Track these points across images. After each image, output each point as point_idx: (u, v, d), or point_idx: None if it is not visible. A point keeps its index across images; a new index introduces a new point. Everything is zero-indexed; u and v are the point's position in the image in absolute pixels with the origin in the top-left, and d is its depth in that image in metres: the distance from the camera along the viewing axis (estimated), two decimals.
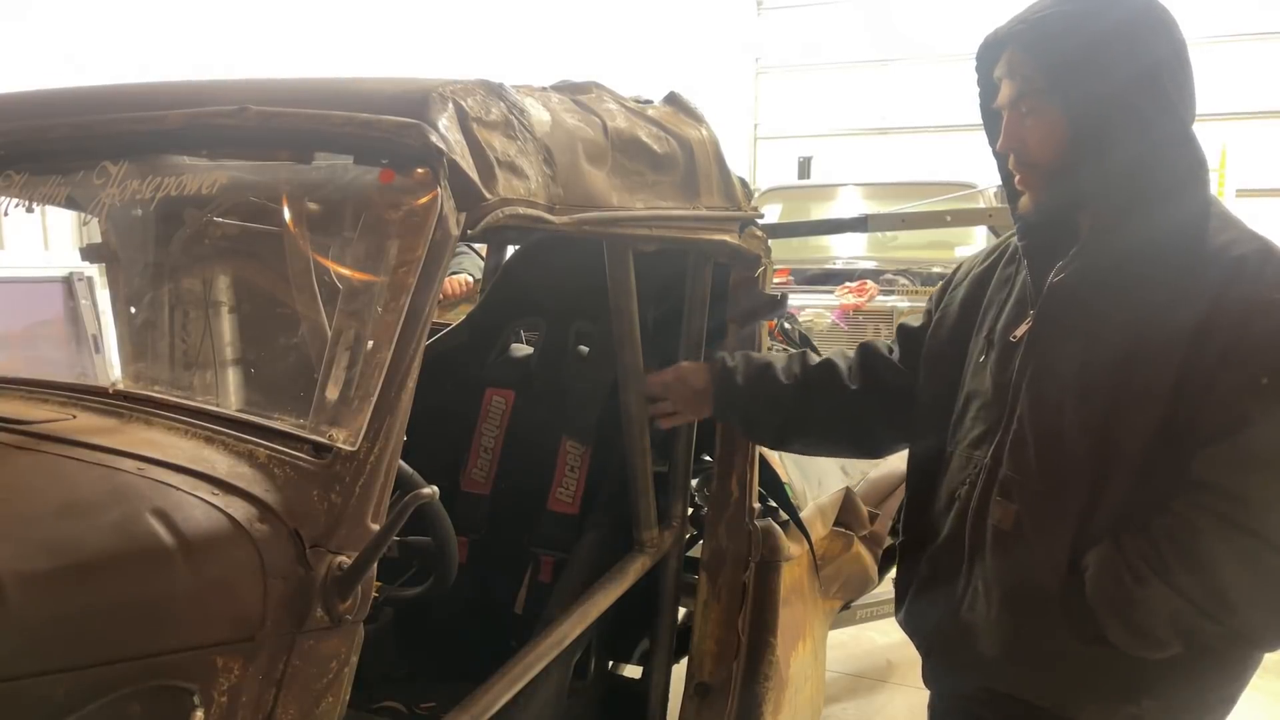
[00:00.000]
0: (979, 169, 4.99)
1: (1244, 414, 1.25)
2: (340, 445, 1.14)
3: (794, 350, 1.94)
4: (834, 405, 1.78)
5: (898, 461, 2.25)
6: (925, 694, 1.73)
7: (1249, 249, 1.31)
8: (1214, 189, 1.64)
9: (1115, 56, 1.32)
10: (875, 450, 1.92)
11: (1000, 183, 1.55)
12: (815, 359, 1.83)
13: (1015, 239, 1.59)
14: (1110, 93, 1.33)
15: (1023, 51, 1.38)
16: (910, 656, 1.69)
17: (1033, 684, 1.44)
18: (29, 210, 1.47)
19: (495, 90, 1.31)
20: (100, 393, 1.36)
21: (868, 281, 5.49)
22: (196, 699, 1.02)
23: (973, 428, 1.51)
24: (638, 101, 1.72)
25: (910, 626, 1.66)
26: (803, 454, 2.08)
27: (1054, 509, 1.37)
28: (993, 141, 1.49)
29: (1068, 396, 1.36)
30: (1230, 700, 1.42)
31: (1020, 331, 1.45)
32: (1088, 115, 1.34)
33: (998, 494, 1.43)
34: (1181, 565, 1.27)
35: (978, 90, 1.51)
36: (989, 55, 1.45)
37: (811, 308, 5.37)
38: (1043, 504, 1.38)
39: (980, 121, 1.53)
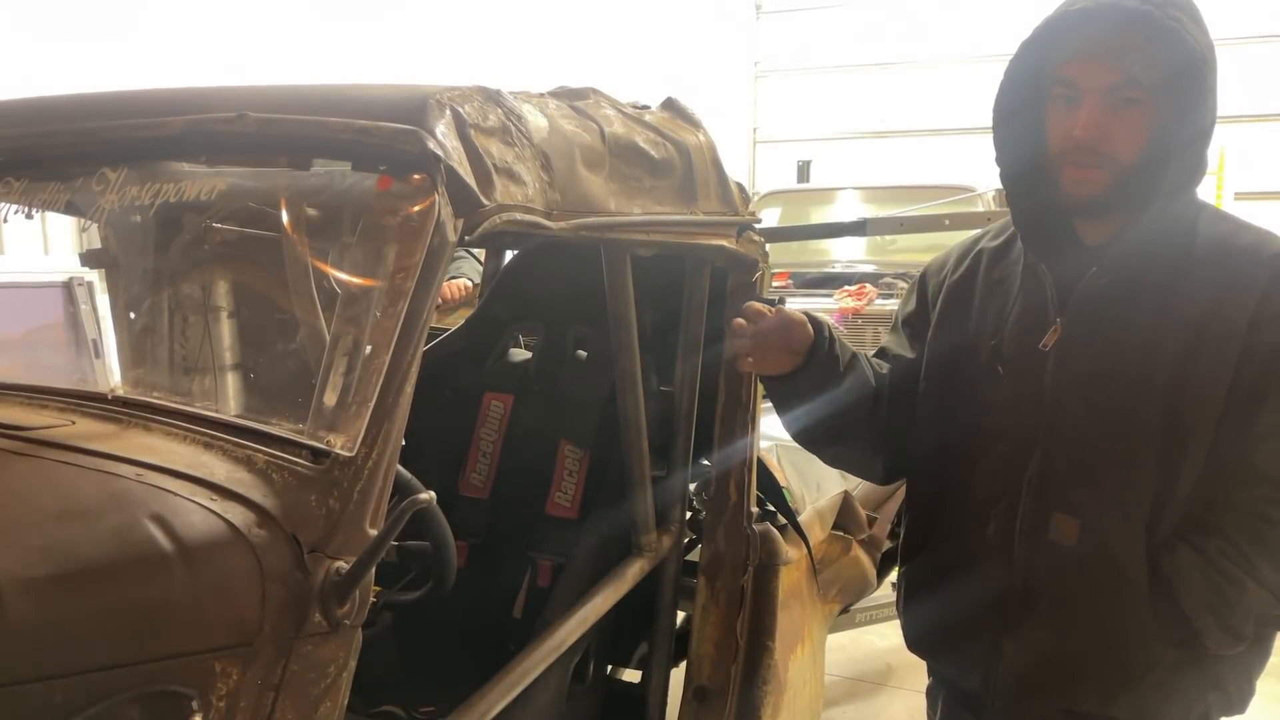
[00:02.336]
0: (978, 172, 5.01)
1: None
2: (338, 450, 1.14)
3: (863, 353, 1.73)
4: (883, 422, 1.59)
5: None
6: (925, 697, 1.73)
7: None
8: (1212, 191, 1.65)
9: (1212, 72, 1.30)
10: (892, 476, 1.72)
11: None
12: (882, 366, 1.63)
13: (991, 240, 1.57)
14: (1202, 109, 1.30)
15: (1146, 40, 1.27)
16: (909, 660, 1.68)
17: (1118, 697, 1.39)
18: (29, 216, 1.47)
19: (492, 96, 1.31)
20: (99, 398, 1.36)
21: (866, 285, 5.48)
22: (195, 704, 1.02)
23: (995, 442, 1.45)
24: (635, 107, 1.73)
25: (940, 653, 1.60)
26: (830, 463, 1.82)
27: (1125, 516, 1.35)
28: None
29: (1124, 402, 1.35)
30: (1257, 679, 1.44)
31: (1048, 339, 1.40)
32: (1180, 126, 1.30)
33: (1058, 509, 1.38)
34: (1265, 560, 1.31)
35: (1010, 66, 1.39)
36: (1073, 22, 1.31)
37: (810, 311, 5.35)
38: (1112, 513, 1.36)
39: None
